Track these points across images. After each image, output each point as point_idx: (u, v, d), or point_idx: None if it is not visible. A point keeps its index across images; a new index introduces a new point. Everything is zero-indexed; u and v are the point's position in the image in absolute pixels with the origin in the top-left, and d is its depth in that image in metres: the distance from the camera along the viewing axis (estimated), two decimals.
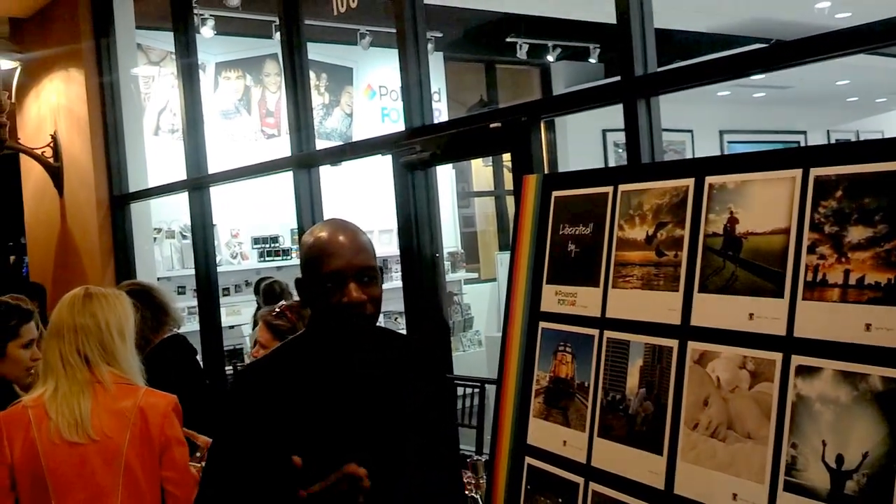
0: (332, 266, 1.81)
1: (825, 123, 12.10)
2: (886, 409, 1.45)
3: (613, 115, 3.38)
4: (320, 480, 1.79)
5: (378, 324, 1.97)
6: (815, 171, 1.62)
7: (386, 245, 7.97)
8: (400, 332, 2.13)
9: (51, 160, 6.65)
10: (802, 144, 11.03)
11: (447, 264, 8.31)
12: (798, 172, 1.65)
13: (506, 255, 2.35)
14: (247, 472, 1.83)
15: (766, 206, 1.70)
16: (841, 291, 1.54)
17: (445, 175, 8.64)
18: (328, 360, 1.91)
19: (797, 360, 1.59)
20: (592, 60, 8.87)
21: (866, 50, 2.73)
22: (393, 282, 8.12)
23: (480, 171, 10.24)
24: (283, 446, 1.82)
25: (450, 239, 8.60)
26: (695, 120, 10.20)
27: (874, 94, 11.54)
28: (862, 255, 1.52)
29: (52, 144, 6.68)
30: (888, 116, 12.81)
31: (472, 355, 8.43)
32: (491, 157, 9.99)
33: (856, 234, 1.54)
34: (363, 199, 7.79)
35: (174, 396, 2.52)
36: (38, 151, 6.66)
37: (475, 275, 9.42)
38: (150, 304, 3.56)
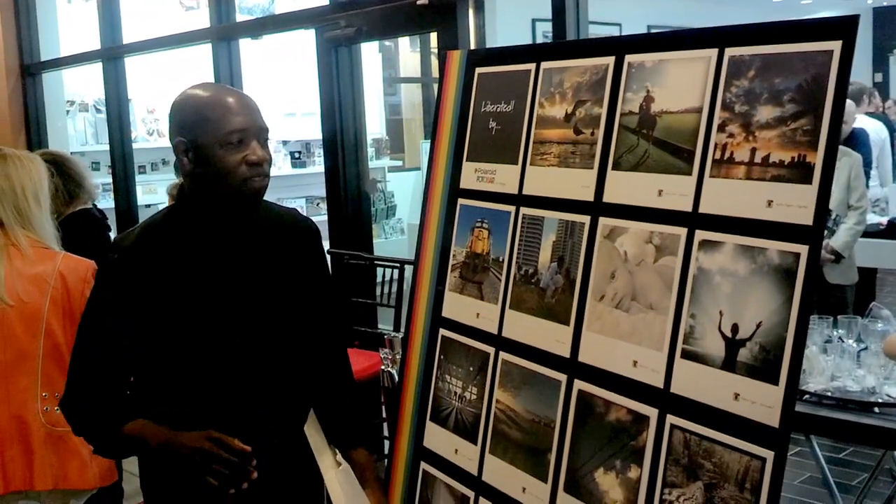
0: (237, 123, 1.75)
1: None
2: (781, 282, 1.52)
3: (544, 3, 3.35)
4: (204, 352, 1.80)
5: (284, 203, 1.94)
6: (729, 52, 1.65)
7: (309, 129, 7.83)
8: (297, 211, 2.10)
9: None
10: None
11: (371, 150, 8.24)
12: (714, 52, 1.68)
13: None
14: (118, 350, 1.81)
15: (681, 85, 1.73)
16: (746, 169, 1.59)
17: (372, 60, 8.47)
18: (212, 229, 1.85)
19: (701, 234, 1.65)
20: None
21: None
22: (315, 166, 8.04)
23: (408, 56, 10.07)
24: (155, 321, 1.81)
25: (375, 125, 8.50)
26: (624, 14, 10.16)
27: None
28: (769, 134, 1.57)
29: None
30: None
31: (394, 243, 8.46)
32: (418, 43, 9.82)
33: (764, 113, 1.58)
34: (286, 79, 7.61)
35: (92, 261, 2.49)
36: None
37: (399, 163, 9.37)
38: (63, 175, 3.46)
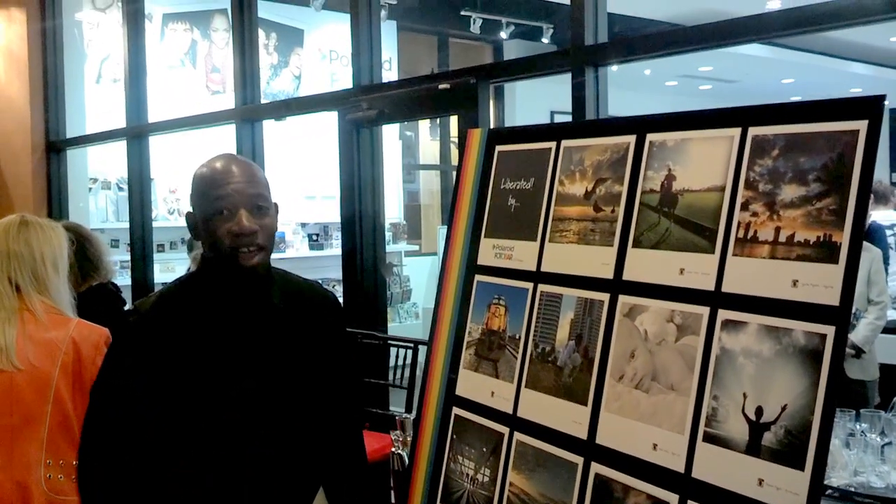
0: (225, 192, 1.77)
1: None
2: (807, 364, 1.48)
3: (562, 97, 3.40)
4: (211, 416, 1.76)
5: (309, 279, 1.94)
6: (753, 131, 1.64)
7: (328, 212, 7.92)
8: (319, 284, 2.10)
9: None
10: None
11: (388, 235, 8.29)
12: (737, 131, 1.67)
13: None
14: (133, 413, 1.79)
15: (703, 163, 1.72)
16: (771, 248, 1.57)
17: (392, 147, 8.60)
18: (218, 298, 1.85)
19: (724, 314, 1.61)
20: (545, 40, 8.90)
21: (808, 31, 2.79)
22: (333, 249, 8.09)
23: (427, 145, 10.23)
24: (170, 387, 1.78)
25: (393, 210, 8.58)
26: (642, 108, 10.26)
27: (817, 93, 11.79)
28: (793, 213, 1.55)
29: None
30: None
31: (409, 327, 8.44)
32: (438, 132, 9.97)
33: (789, 192, 1.56)
34: (307, 163, 7.72)
35: (106, 329, 2.47)
36: None
37: (416, 247, 9.42)
38: (80, 255, 3.39)
